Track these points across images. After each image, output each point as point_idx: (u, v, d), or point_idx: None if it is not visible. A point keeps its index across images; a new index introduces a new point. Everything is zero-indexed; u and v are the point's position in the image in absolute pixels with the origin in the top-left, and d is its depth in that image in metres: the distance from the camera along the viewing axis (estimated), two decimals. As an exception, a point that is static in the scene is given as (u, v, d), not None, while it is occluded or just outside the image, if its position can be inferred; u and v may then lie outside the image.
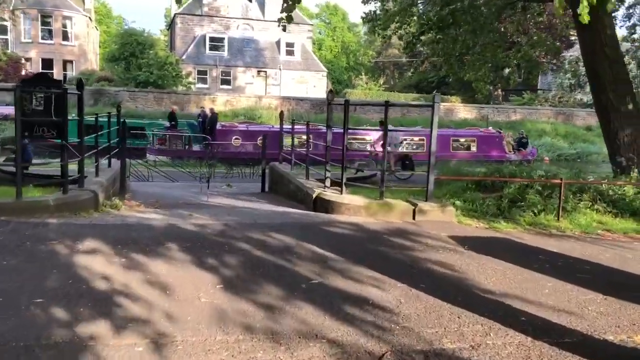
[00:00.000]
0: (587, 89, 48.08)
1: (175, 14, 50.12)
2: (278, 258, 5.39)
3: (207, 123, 24.82)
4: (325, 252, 5.65)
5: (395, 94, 55.99)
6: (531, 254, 6.14)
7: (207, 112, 26.51)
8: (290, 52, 50.24)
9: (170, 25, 55.83)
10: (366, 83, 60.47)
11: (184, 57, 46.22)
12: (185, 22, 49.75)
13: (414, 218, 7.54)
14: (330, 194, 8.22)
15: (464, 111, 41.97)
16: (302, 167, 11.35)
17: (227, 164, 17.54)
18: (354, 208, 7.70)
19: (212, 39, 48.68)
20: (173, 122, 27.13)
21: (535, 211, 8.27)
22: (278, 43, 50.40)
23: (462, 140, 26.02)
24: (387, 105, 8.04)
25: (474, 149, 25.49)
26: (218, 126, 24.83)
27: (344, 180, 8.20)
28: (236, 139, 24.20)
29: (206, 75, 47.68)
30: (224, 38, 49.07)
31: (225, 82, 48.12)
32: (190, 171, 11.14)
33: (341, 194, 8.16)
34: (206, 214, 7.78)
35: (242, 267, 5.07)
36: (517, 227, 7.56)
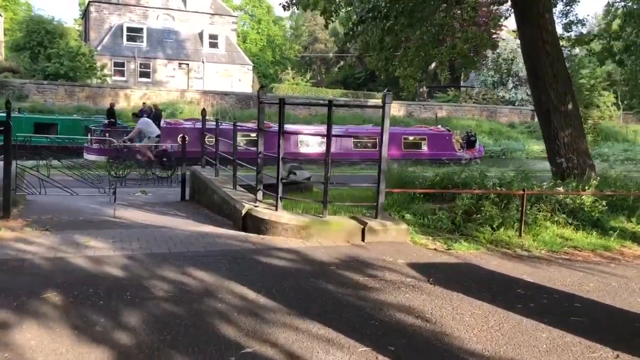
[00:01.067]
0: (510, 86, 49.33)
1: (89, 1, 46.84)
2: (197, 311, 4.04)
3: (152, 119, 22.53)
4: (261, 298, 4.36)
5: (322, 90, 55.09)
6: (507, 287, 5.11)
7: (148, 108, 24.73)
8: (213, 45, 48.17)
9: (84, 14, 52.25)
10: (293, 78, 59.27)
11: (99, 47, 43.20)
12: (100, 10, 46.57)
13: (363, 239, 6.38)
14: (264, 210, 6.91)
15: (393, 109, 41.54)
16: (230, 171, 10.04)
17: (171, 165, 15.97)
18: (293, 228, 6.45)
19: (129, 29, 45.85)
20: (112, 119, 25.13)
21: (494, 225, 7.35)
22: (201, 35, 48.22)
23: (412, 139, 25.49)
24: (330, 105, 6.83)
25: (425, 147, 25.02)
26: (162, 124, 22.90)
27: (280, 194, 6.91)
28: (182, 137, 22.10)
29: (124, 67, 44.83)
30: (142, 28, 46.34)
31: (145, 74, 45.44)
32: (87, 174, 9.38)
33: (276, 209, 6.88)
34: (109, 238, 6.28)
35: (146, 329, 3.69)
36: (479, 248, 6.56)
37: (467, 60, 15.77)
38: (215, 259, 5.43)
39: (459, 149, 26.30)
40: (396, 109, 41.78)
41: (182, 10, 48.92)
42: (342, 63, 66.11)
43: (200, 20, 49.18)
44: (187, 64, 46.66)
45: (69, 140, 23.34)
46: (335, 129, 26.19)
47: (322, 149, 23.45)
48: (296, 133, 21.66)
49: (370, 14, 13.75)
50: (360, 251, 5.98)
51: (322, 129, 26.37)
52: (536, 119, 45.65)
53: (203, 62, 46.63)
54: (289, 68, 64.99)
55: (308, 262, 5.50)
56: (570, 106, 13.64)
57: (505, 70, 47.06)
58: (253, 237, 6.56)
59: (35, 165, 9.28)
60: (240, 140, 21.33)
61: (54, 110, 30.84)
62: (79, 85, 34.48)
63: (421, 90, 56.70)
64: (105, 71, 40.12)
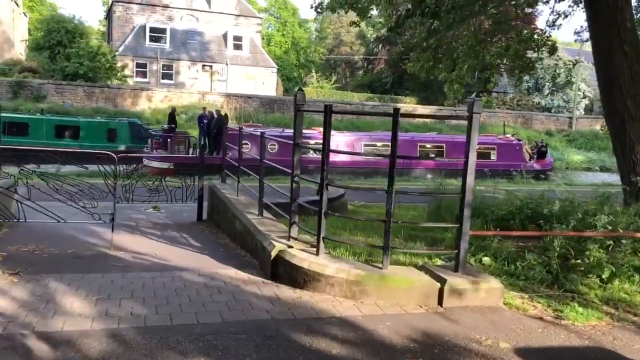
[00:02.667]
0: (546, 92, 46.98)
1: (113, 1, 45.78)
2: None
3: (213, 126, 20.96)
4: None
5: (348, 94, 53.40)
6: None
7: (209, 113, 22.97)
8: (238, 46, 46.76)
9: (108, 14, 51.31)
10: (317, 81, 57.67)
11: (121, 48, 42.07)
12: (124, 10, 45.46)
13: (440, 303, 4.61)
14: (300, 254, 5.18)
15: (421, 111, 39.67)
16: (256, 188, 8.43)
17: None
18: (341, 284, 4.71)
19: (152, 30, 44.63)
20: (172, 125, 23.51)
21: (604, 276, 5.54)
22: (225, 36, 46.85)
23: (480, 148, 23.70)
24: (396, 115, 5.13)
25: (494, 157, 23.84)
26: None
27: (323, 232, 5.19)
28: (245, 144, 20.75)
29: (146, 68, 43.59)
30: (166, 29, 45.11)
31: (167, 76, 44.18)
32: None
33: (317, 253, 5.15)
34: (94, 290, 4.63)
35: None
36: (601, 317, 4.72)
37: (524, 63, 13.89)
38: (237, 338, 3.72)
39: (529, 160, 25.28)
40: (425, 110, 39.89)
41: (207, 11, 47.63)
42: (369, 66, 64.25)
43: (225, 21, 47.85)
44: (211, 66, 45.32)
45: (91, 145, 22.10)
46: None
47: (355, 157, 22.01)
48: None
49: (419, 10, 12.00)
50: (441, 325, 4.22)
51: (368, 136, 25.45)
52: (575, 127, 43.61)
53: (227, 64, 45.25)
54: (314, 71, 63.41)
55: (370, 346, 3.76)
56: (648, 115, 11.72)
57: (542, 76, 44.76)
58: (287, 293, 4.84)
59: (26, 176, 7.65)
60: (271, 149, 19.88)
61: (70, 112, 29.62)
62: (99, 86, 33.27)
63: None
64: (126, 72, 38.92)
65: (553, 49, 14.08)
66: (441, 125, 37.91)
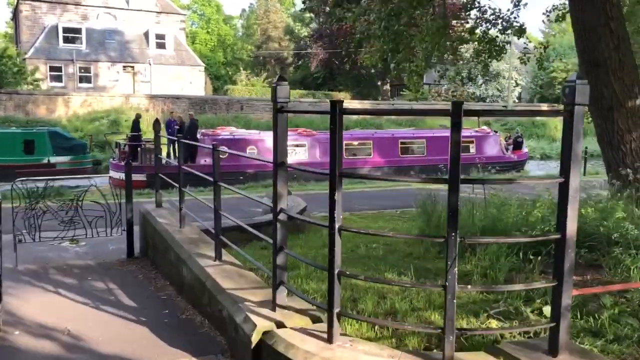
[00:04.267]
0: (479, 82, 46.78)
1: (19, 0, 41.72)
2: None
3: (186, 132, 19.08)
4: None
5: (281, 91, 51.40)
6: None
7: (178, 119, 21.12)
8: (161, 45, 43.77)
9: (14, 15, 46.96)
10: (248, 79, 55.42)
11: (31, 50, 38.31)
12: (31, 10, 41.45)
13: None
14: (301, 340, 3.27)
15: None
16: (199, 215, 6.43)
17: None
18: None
19: (66, 30, 40.94)
20: (137, 132, 21.11)
21: None
22: (146, 35, 43.75)
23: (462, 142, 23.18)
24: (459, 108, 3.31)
25: (472, 151, 23.18)
26: (199, 136, 19.67)
27: (337, 305, 3.30)
28: (222, 148, 18.56)
29: (61, 72, 39.91)
30: (81, 29, 41.50)
31: (85, 79, 40.70)
32: None
33: (329, 340, 3.24)
34: None
35: None
36: None
37: (492, 47, 12.47)
38: None
39: (506, 152, 25.03)
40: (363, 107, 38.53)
41: (125, 9, 44.29)
42: (300, 62, 62.53)
43: (145, 19, 44.70)
44: (133, 67, 42.16)
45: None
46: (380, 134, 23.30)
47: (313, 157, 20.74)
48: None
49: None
50: None
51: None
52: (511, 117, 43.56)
53: (150, 64, 42.21)
54: (242, 68, 61.13)
55: None
56: (638, 101, 10.57)
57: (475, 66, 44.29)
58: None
59: None
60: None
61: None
62: (6, 93, 29.76)
63: (385, 88, 53.90)
64: (38, 75, 35.33)
65: (521, 31, 12.80)
66: (380, 120, 36.67)
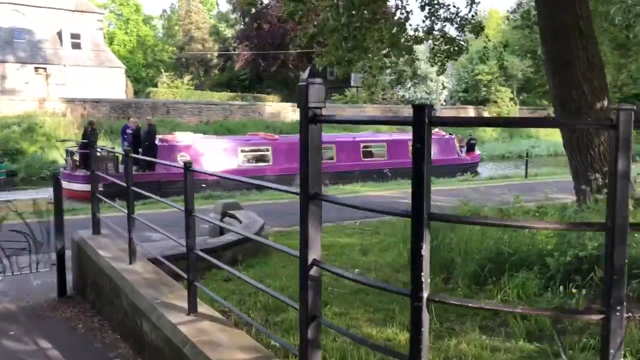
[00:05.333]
0: (408, 84, 46.97)
1: None
2: None
3: (144, 138, 18.05)
4: None
5: (207, 93, 49.57)
6: None
7: (134, 123, 19.41)
8: (76, 45, 40.91)
9: None
10: (172, 81, 53.10)
11: None
12: None
13: None
14: None
15: (292, 112, 37.27)
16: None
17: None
18: None
19: (-33, 28, 37.45)
20: (90, 140, 18.27)
21: None
22: (60, 34, 40.77)
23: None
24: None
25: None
26: (157, 142, 18.61)
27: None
28: (182, 157, 18.21)
29: (-38, 74, 36.46)
30: (-17, 26, 38.12)
31: (-9, 82, 37.36)
32: None
33: None
34: None
35: None
36: None
37: (452, 47, 11.78)
38: None
39: (461, 154, 25.27)
40: (296, 112, 37.44)
41: (35, 6, 41.05)
42: (226, 64, 60.72)
43: (59, 17, 41.65)
44: (45, 68, 39.10)
45: None
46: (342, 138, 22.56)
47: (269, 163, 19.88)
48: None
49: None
50: None
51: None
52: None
53: (65, 66, 39.33)
54: (163, 70, 58.62)
55: None
56: (605, 103, 10.23)
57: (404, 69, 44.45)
58: None
59: None
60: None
61: None
62: None
63: (314, 91, 53.15)
64: None
65: (479, 28, 12.22)
66: (282, 124, 35.78)
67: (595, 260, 4.54)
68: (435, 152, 22.94)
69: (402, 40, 12.02)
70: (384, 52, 12.23)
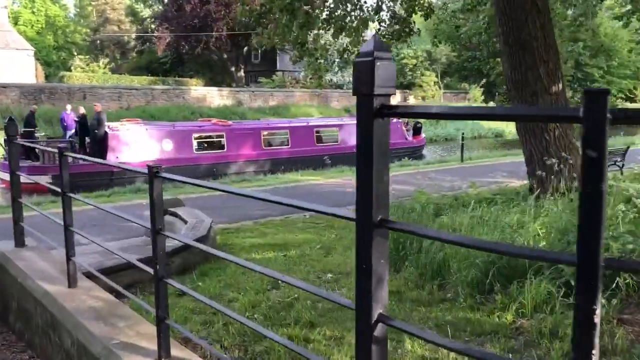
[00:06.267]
0: (336, 69, 46.45)
1: None
2: None
3: (92, 126, 16.92)
4: None
5: (126, 77, 46.93)
6: None
7: (75, 111, 18.21)
8: (-23, 25, 37.48)
9: None
10: (88, 65, 49.94)
11: None
12: None
13: None
14: None
15: (219, 97, 35.85)
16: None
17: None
18: None
19: None
20: (32, 128, 17.84)
21: None
22: (-43, 11, 37.15)
23: None
24: None
25: None
26: (107, 130, 17.31)
27: None
28: (134, 145, 17.49)
29: None
30: None
31: None
32: None
33: None
34: None
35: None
36: None
37: (407, 30, 11.16)
38: None
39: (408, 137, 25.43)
40: (223, 97, 36.19)
41: None
42: (145, 46, 57.89)
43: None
44: (-59, 50, 35.58)
45: None
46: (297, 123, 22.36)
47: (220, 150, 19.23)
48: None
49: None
50: None
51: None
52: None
53: (-35, 47, 35.90)
54: (76, 54, 55.11)
55: None
56: (560, 86, 10.08)
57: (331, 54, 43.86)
58: None
59: None
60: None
61: None
62: None
63: (239, 75, 51.75)
64: None
65: (429, 11, 11.67)
66: (242, 109, 34.56)
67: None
68: None
69: (350, 20, 11.35)
70: (331, 32, 11.50)
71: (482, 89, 46.98)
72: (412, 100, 46.13)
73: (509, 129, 44.30)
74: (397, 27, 11.31)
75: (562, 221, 5.40)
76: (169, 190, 14.01)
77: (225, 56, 50.70)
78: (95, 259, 6.17)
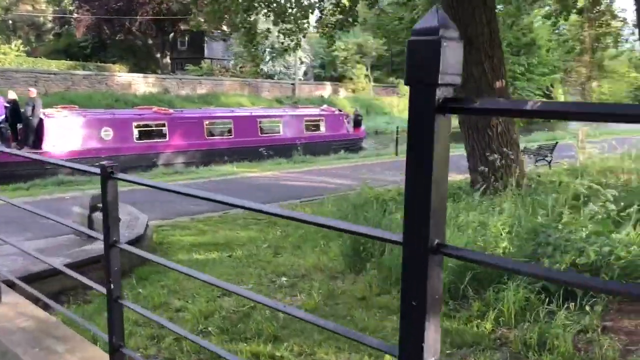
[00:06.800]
0: (267, 58, 45.65)
1: None
2: None
3: (26, 112, 15.92)
4: None
5: (43, 61, 44.11)
6: None
7: (9, 97, 16.81)
8: None
9: None
10: (-2, 46, 46.51)
11: None
12: None
13: None
14: None
15: (145, 84, 34.34)
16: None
17: None
18: None
19: None
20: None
21: None
22: None
23: (310, 120, 23.31)
24: None
25: (323, 129, 23.44)
26: (41, 115, 16.30)
27: None
28: (72, 132, 16.71)
29: None
30: None
31: None
32: None
33: None
34: None
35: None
36: None
37: (352, 19, 10.76)
38: None
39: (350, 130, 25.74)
40: (149, 84, 34.71)
41: None
42: (64, 29, 54.77)
43: None
44: None
45: None
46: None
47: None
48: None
49: None
50: None
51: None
52: (297, 93, 43.34)
53: None
54: (-17, 35, 51.32)
55: None
56: (503, 82, 10.18)
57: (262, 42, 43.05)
58: None
59: None
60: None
61: None
62: None
63: (164, 61, 49.95)
64: None
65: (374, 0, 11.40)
66: (169, 96, 33.25)
67: (597, 267, 3.89)
68: (327, 128, 23.72)
69: (290, 6, 10.91)
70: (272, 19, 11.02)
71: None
72: (342, 93, 46.12)
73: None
74: (340, 16, 11.00)
75: (521, 220, 5.27)
76: (93, 182, 13.11)
77: (150, 42, 48.84)
78: (18, 264, 5.49)
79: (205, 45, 51.41)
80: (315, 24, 10.88)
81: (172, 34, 48.32)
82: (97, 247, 6.15)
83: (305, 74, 49.05)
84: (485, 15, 9.38)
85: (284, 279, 5.37)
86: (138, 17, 42.58)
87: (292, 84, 44.00)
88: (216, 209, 10.26)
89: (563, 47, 41.40)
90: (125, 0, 42.44)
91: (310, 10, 11.69)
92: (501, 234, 4.95)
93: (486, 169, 9.78)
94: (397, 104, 46.97)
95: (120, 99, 29.77)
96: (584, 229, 4.41)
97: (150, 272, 5.96)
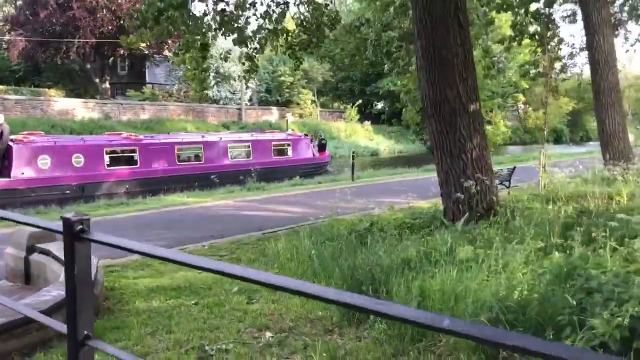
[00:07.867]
0: (212, 83, 44.63)
1: None
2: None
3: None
4: None
5: (-30, 85, 41.48)
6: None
7: None
8: None
9: None
10: None
11: None
12: None
13: None
14: None
15: (85, 109, 32.67)
16: None
17: None
18: None
19: None
20: None
21: None
22: None
23: (278, 145, 23.53)
24: None
25: (290, 154, 23.63)
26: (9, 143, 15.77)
27: None
28: (43, 160, 16.11)
29: None
30: None
31: None
32: None
33: None
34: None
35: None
36: None
37: (316, 40, 10.05)
38: None
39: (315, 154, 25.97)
40: (89, 109, 33.07)
41: None
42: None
43: None
44: None
45: None
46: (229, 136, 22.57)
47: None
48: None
49: None
50: None
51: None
52: (244, 118, 42.44)
53: None
54: None
55: None
56: (478, 105, 9.79)
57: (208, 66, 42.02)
58: None
59: None
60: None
61: None
62: None
63: (104, 86, 48.10)
64: None
65: (335, 20, 10.80)
66: (110, 123, 31.71)
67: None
68: (294, 152, 23.94)
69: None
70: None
71: (356, 108, 47.74)
72: (290, 118, 45.54)
73: (383, 147, 45.42)
74: (304, 36, 10.36)
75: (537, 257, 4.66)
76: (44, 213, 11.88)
77: (88, 66, 46.97)
78: None
79: (147, 70, 49.93)
80: (281, 44, 10.24)
81: (111, 58, 46.66)
82: (40, 299, 5.14)
83: (250, 99, 48.22)
84: (459, 36, 8.98)
85: (268, 334, 4.53)
86: (76, 40, 40.82)
87: (237, 108, 43.08)
88: (173, 244, 9.30)
89: (505, 72, 42.39)
90: (62, 24, 40.63)
91: (280, 33, 10.99)
92: (520, 278, 4.32)
93: (462, 196, 9.28)
94: (344, 128, 46.80)
95: (57, 125, 28.13)
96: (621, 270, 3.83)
97: (108, 326, 5.00)
